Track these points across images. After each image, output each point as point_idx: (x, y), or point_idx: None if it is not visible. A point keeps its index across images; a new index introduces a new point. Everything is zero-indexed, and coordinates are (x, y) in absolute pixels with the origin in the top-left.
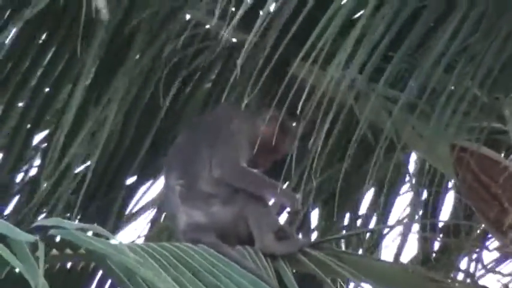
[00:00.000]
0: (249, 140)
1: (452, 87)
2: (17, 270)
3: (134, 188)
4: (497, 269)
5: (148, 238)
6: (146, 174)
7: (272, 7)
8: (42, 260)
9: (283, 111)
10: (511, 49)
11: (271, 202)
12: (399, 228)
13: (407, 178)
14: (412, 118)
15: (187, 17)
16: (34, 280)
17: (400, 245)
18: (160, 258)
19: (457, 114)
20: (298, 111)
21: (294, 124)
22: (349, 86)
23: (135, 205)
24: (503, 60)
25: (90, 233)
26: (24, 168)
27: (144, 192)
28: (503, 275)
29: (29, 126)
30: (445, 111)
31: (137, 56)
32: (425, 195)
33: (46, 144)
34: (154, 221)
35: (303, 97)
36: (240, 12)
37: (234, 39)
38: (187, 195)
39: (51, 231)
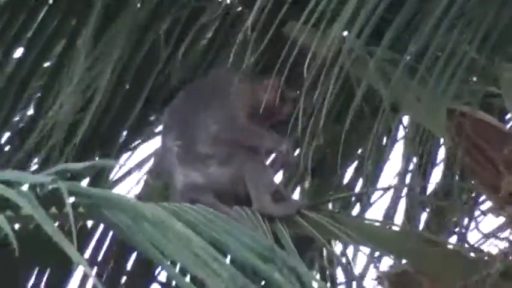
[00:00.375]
0: (248, 105)
1: (449, 52)
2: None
3: (127, 143)
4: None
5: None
6: (139, 130)
7: None
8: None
9: (282, 79)
10: (507, 13)
11: (268, 162)
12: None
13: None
14: (410, 81)
15: None
16: (56, 236)
17: (392, 207)
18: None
19: (455, 78)
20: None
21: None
22: (348, 49)
23: (127, 161)
24: (500, 25)
25: None
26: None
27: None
28: (500, 239)
29: (23, 76)
30: (443, 75)
31: (136, 8)
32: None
33: (40, 94)
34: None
35: (306, 62)
36: None
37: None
38: (184, 156)
39: (58, 184)
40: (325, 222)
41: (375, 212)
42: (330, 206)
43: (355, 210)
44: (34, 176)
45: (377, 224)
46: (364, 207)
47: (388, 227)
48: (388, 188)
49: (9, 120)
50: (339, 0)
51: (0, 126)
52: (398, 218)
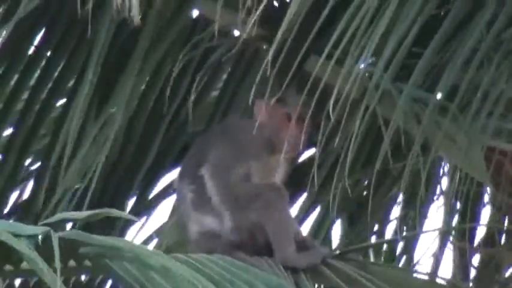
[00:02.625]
0: (259, 135)
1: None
2: None
3: (139, 204)
4: None
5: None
6: (152, 189)
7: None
8: (58, 254)
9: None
10: None
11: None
12: (433, 239)
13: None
14: (443, 121)
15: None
16: (51, 281)
17: (435, 257)
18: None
19: (492, 116)
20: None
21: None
22: (374, 85)
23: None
24: None
25: None
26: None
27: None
28: None
29: (23, 139)
30: (479, 113)
31: (140, 61)
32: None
33: (40, 163)
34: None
35: (332, 99)
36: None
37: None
38: (198, 201)
39: (59, 234)
40: (353, 273)
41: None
42: (371, 254)
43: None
44: (28, 227)
45: (415, 275)
46: (405, 256)
47: (427, 279)
48: (428, 231)
49: (16, 176)
50: (363, 33)
51: (6, 180)
52: (444, 268)
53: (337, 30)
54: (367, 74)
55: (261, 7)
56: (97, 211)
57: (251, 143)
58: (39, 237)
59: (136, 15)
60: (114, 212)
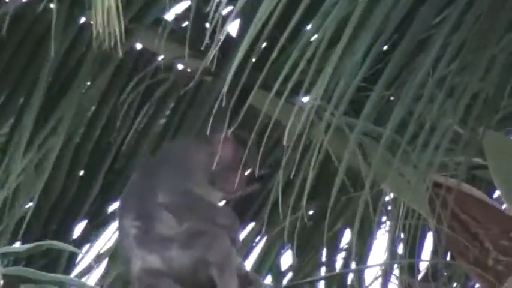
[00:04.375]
0: (206, 164)
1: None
2: None
3: (85, 236)
4: None
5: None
6: (97, 222)
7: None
8: None
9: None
10: (491, 80)
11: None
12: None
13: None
14: (390, 155)
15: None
16: None
17: None
18: None
19: (438, 150)
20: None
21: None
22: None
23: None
24: (484, 92)
25: None
26: None
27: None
28: None
29: None
30: (426, 148)
31: (85, 87)
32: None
33: None
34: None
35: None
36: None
37: (189, 69)
38: (142, 238)
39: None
40: None
41: None
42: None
43: None
44: None
45: None
46: None
47: None
48: (371, 266)
49: None
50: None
51: None
52: None
53: (288, 64)
54: (313, 109)
55: (218, 44)
56: (40, 243)
57: (200, 167)
58: None
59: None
60: (57, 245)
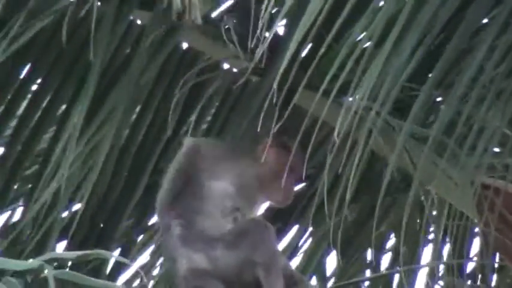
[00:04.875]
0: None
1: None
2: None
3: (128, 238)
4: None
5: None
6: (141, 224)
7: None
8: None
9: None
10: None
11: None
12: (424, 274)
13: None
14: (437, 157)
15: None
16: None
17: None
18: None
19: (487, 151)
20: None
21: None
22: (370, 122)
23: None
24: None
25: None
26: (6, 211)
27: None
28: None
29: (9, 170)
30: (472, 149)
31: (131, 89)
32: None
33: (30, 188)
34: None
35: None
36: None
37: (235, 69)
38: (187, 236)
39: (46, 273)
40: None
41: None
42: None
43: None
44: (22, 263)
45: None
46: None
47: None
48: (417, 267)
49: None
50: (360, 69)
51: None
52: None
53: (334, 66)
54: (360, 111)
55: (266, 43)
56: (87, 252)
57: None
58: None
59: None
60: (104, 254)
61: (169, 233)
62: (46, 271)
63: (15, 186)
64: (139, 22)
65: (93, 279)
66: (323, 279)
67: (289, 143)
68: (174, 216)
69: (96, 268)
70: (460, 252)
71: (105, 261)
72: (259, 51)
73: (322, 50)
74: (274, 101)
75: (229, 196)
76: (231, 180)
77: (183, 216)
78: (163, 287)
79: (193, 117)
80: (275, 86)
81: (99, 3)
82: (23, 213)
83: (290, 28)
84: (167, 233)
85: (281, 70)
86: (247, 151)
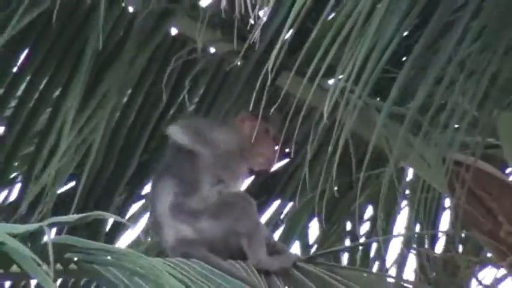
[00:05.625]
0: (238, 148)
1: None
2: None
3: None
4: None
5: None
6: (135, 195)
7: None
8: (51, 252)
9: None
10: (508, 66)
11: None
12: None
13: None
14: (412, 137)
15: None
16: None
17: (399, 260)
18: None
19: (459, 130)
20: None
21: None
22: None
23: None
24: (502, 78)
25: None
26: (6, 188)
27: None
28: None
29: (9, 148)
30: (445, 127)
31: (123, 71)
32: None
33: (28, 165)
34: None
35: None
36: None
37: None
38: (178, 207)
39: (47, 240)
40: (322, 275)
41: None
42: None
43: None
44: (22, 226)
45: (378, 276)
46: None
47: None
48: (393, 237)
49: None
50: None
51: None
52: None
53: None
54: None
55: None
56: (87, 214)
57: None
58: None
59: None
60: (104, 215)
61: (162, 199)
62: (46, 237)
63: (15, 164)
64: (131, 9)
65: (93, 242)
66: (305, 247)
67: (264, 113)
68: (171, 185)
69: (91, 237)
70: (432, 223)
71: (100, 231)
72: (251, 37)
73: (312, 35)
74: (253, 82)
75: (214, 166)
76: (214, 150)
77: (179, 186)
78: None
79: (180, 99)
80: (269, 68)
81: None
82: (23, 189)
83: (273, 13)
84: (157, 201)
85: (273, 55)
86: (226, 123)
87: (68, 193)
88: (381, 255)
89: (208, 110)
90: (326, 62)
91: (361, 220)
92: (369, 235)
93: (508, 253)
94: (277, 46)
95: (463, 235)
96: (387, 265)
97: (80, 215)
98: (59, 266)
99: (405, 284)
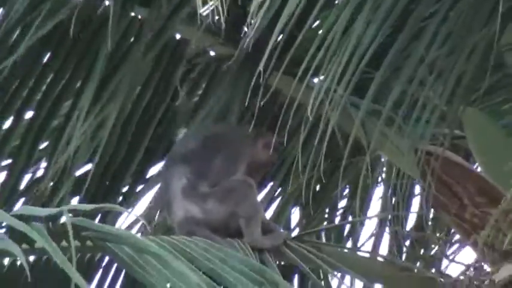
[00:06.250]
0: (249, 159)
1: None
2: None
3: (130, 192)
4: (458, 259)
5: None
6: (141, 180)
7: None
8: (72, 240)
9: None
10: (471, 67)
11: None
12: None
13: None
14: (381, 125)
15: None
16: (65, 265)
17: (375, 238)
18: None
19: (429, 124)
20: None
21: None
22: (331, 99)
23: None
24: (467, 76)
25: None
26: (31, 170)
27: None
28: (464, 264)
29: (34, 135)
30: (417, 121)
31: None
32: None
33: (50, 151)
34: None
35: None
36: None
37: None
38: (189, 190)
39: (66, 219)
40: (308, 253)
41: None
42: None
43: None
44: (45, 210)
45: (359, 253)
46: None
47: (369, 256)
48: (371, 217)
49: (23, 175)
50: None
51: (15, 181)
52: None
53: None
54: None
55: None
56: (101, 205)
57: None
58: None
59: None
60: (114, 207)
61: (173, 180)
62: (65, 217)
63: (40, 147)
64: (139, 17)
65: (107, 226)
66: (289, 229)
67: (277, 147)
68: (186, 169)
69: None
70: (404, 206)
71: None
72: (244, 41)
73: (299, 39)
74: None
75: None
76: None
77: (193, 173)
78: (162, 232)
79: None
80: (261, 68)
81: (107, 3)
82: (45, 171)
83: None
84: (171, 179)
85: (265, 57)
86: (250, 142)
87: (85, 174)
88: (356, 234)
89: (207, 102)
90: (314, 64)
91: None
92: (346, 217)
93: (471, 232)
94: (268, 50)
95: (431, 215)
96: (365, 243)
97: (95, 206)
98: (76, 242)
99: (379, 258)
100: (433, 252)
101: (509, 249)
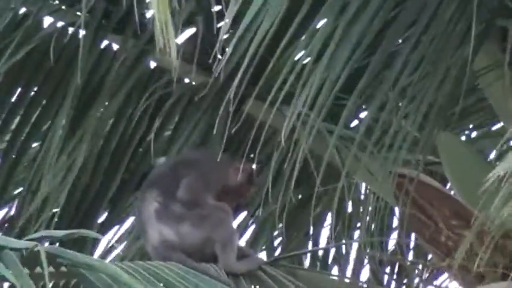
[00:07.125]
0: (219, 183)
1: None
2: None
3: (106, 224)
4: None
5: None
6: (117, 212)
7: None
8: (47, 269)
9: (252, 164)
10: (445, 90)
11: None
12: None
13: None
14: (356, 151)
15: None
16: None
17: (355, 263)
18: (134, 273)
19: (401, 150)
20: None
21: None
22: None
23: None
24: (440, 101)
25: None
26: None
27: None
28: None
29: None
30: (390, 148)
31: (106, 102)
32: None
33: (23, 188)
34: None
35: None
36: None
37: (194, 83)
38: (162, 213)
39: (39, 248)
40: (283, 278)
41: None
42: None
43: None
44: (19, 241)
45: (334, 278)
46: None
47: (345, 281)
48: (349, 243)
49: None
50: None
51: None
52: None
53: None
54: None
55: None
56: (73, 231)
57: (215, 177)
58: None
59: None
60: (87, 233)
61: (147, 205)
62: (39, 246)
63: (11, 188)
64: (114, 46)
65: (75, 253)
66: (271, 251)
67: (254, 178)
68: (155, 194)
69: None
70: (383, 230)
71: (86, 242)
72: (215, 69)
73: (270, 65)
74: (224, 109)
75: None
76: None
77: (163, 196)
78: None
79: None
80: (231, 96)
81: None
82: (18, 208)
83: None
84: (144, 204)
85: (235, 83)
86: (221, 167)
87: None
88: (338, 259)
89: (182, 132)
90: (284, 90)
91: (320, 228)
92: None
93: (447, 255)
94: (238, 77)
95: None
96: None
97: (67, 232)
98: (51, 268)
99: (360, 284)
100: (411, 277)
101: (484, 271)
